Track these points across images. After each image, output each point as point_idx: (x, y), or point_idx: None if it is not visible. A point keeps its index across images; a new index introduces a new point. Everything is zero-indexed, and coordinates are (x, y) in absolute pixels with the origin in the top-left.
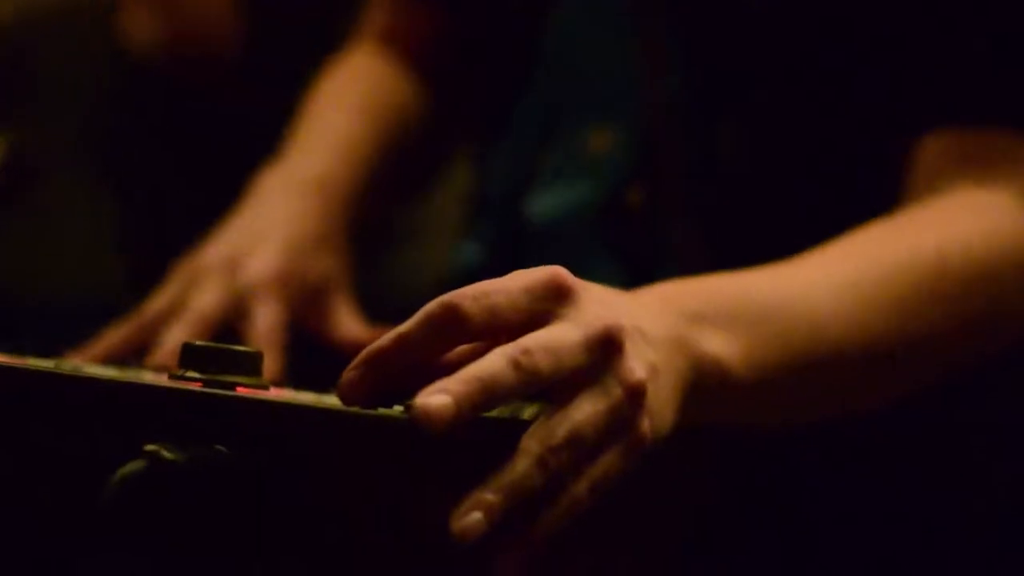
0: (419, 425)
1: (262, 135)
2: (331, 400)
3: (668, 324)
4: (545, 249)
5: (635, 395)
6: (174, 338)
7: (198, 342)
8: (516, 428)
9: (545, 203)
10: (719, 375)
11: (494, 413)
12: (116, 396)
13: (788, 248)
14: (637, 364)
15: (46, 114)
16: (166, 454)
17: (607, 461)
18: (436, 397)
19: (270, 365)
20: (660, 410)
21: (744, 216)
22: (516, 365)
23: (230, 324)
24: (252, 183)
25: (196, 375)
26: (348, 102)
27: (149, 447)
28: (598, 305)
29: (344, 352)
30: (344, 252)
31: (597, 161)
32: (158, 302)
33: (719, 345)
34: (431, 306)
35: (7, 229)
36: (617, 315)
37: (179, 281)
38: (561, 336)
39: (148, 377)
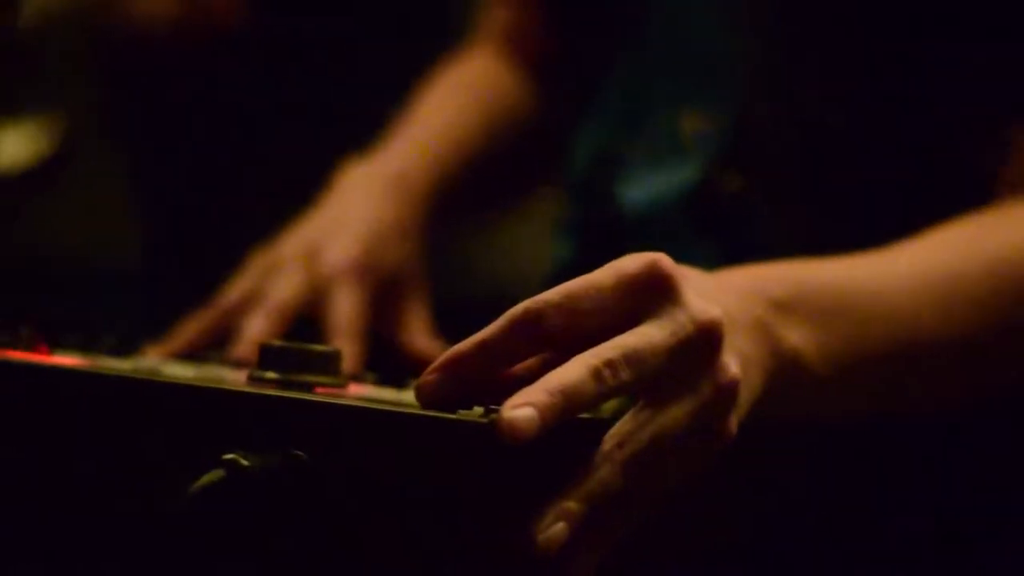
0: (503, 437)
1: (263, 108)
2: (410, 400)
3: (754, 311)
4: (637, 237)
5: (728, 394)
6: (253, 328)
7: (276, 342)
8: (597, 428)
9: (637, 189)
10: (796, 368)
11: None
12: (194, 402)
13: (887, 234)
14: (732, 360)
15: (66, 99)
16: (244, 462)
17: (689, 460)
18: (521, 411)
19: (349, 355)
20: (744, 403)
21: (842, 202)
22: (598, 377)
23: (309, 313)
24: (333, 177)
25: (274, 376)
26: (454, 103)
27: (228, 456)
28: (697, 296)
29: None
30: (420, 245)
31: (691, 145)
32: (236, 292)
33: (800, 338)
34: (514, 312)
35: (38, 204)
36: (714, 306)
37: (257, 270)
38: (648, 341)
39: (226, 379)
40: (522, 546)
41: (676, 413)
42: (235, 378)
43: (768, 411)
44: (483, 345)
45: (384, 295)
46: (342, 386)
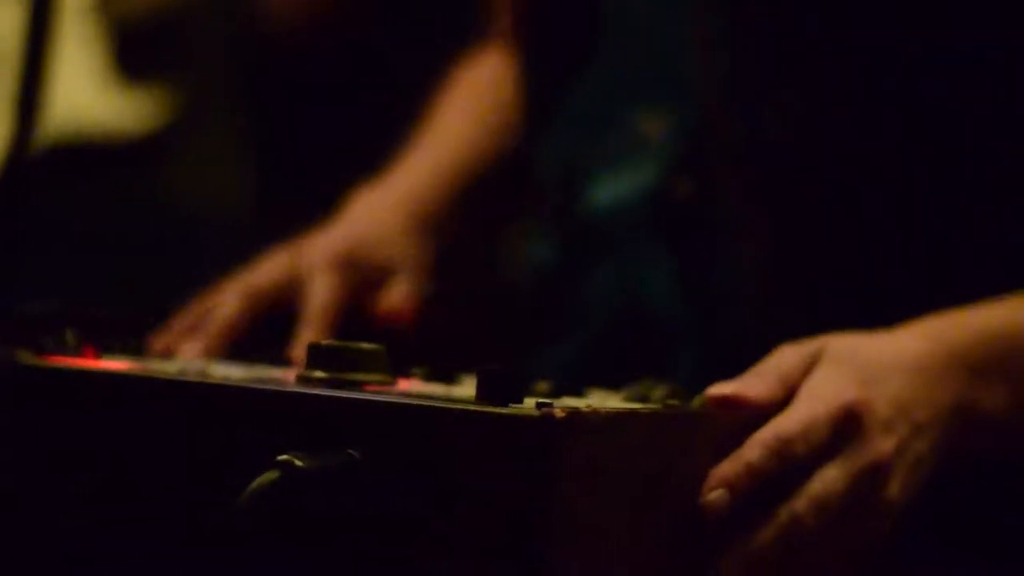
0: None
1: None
2: (460, 394)
3: (950, 391)
4: (604, 238)
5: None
6: (222, 310)
7: (324, 341)
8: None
9: (603, 190)
10: (989, 429)
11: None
12: (247, 403)
13: (844, 235)
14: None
15: (200, 73)
16: (299, 463)
17: (855, 530)
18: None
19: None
20: (914, 472)
21: (796, 201)
22: (782, 458)
23: (285, 299)
24: (346, 200)
25: (323, 375)
26: (466, 119)
27: (282, 457)
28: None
29: (385, 324)
30: (423, 252)
31: (648, 146)
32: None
33: (996, 400)
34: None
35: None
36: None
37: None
38: (811, 424)
39: (276, 379)
40: (579, 539)
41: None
42: (283, 378)
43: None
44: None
45: (369, 287)
46: (390, 383)
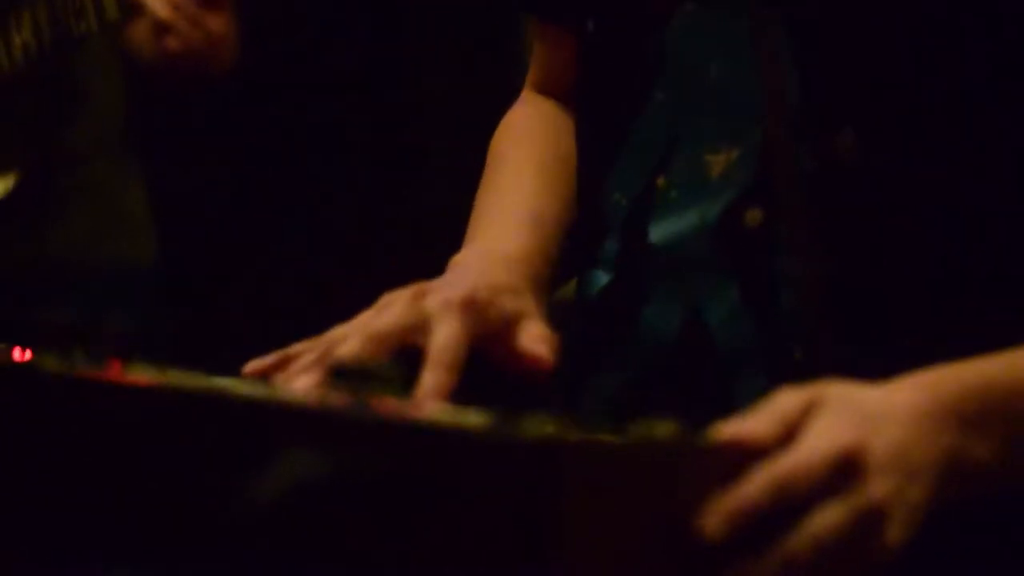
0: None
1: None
2: (474, 418)
3: (944, 441)
4: (665, 270)
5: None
6: (344, 349)
7: (345, 361)
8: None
9: (665, 224)
10: (980, 479)
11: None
12: (259, 414)
13: (912, 269)
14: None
15: (88, 113)
16: (311, 472)
17: (849, 571)
18: None
19: (437, 382)
20: (910, 517)
21: (865, 228)
22: (781, 494)
23: (410, 342)
24: (449, 264)
25: (342, 392)
26: (530, 170)
27: (298, 466)
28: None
29: (519, 370)
30: (540, 304)
31: (714, 184)
32: (341, 326)
33: (988, 452)
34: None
35: (53, 207)
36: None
37: (367, 311)
38: (811, 463)
39: (294, 394)
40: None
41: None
42: (300, 395)
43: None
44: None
45: (496, 335)
46: (410, 403)
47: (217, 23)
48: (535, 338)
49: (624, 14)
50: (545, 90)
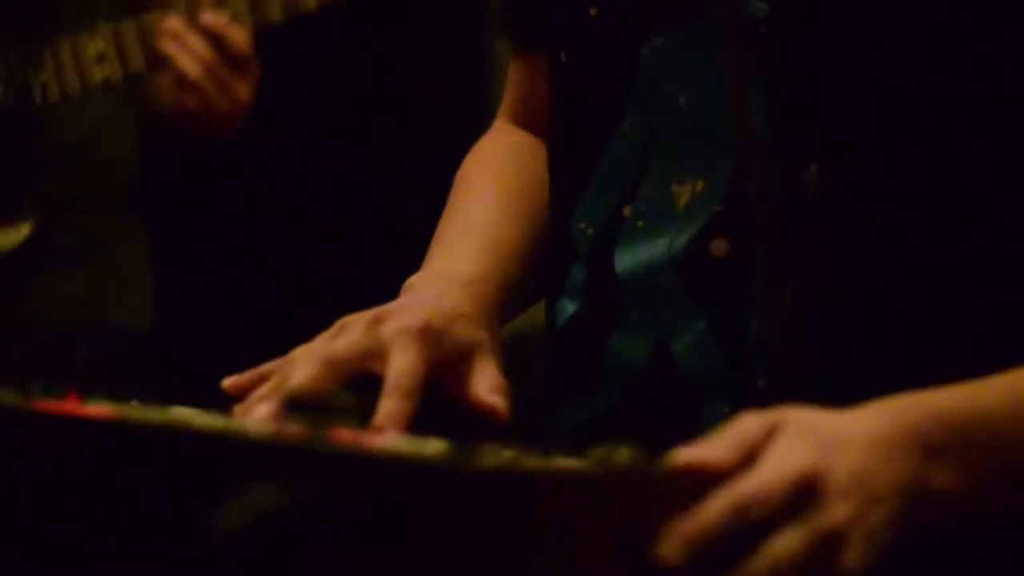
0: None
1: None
2: (432, 447)
3: (904, 467)
4: (633, 300)
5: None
6: (299, 375)
7: (300, 392)
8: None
9: (631, 258)
10: (941, 507)
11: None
12: (217, 446)
13: (877, 298)
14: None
15: (95, 164)
16: (270, 504)
17: None
18: None
19: (395, 409)
20: (871, 541)
21: (831, 265)
22: (740, 518)
23: (366, 368)
24: (402, 287)
25: (300, 424)
26: (493, 196)
27: (251, 498)
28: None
29: (475, 413)
30: (493, 333)
31: (681, 214)
32: (296, 351)
33: (949, 481)
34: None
35: (52, 262)
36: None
37: (324, 335)
38: (770, 487)
39: (250, 426)
40: None
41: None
42: (257, 427)
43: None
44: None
45: (449, 365)
46: (366, 433)
47: (243, 89)
48: (489, 387)
49: (596, 45)
50: (518, 119)
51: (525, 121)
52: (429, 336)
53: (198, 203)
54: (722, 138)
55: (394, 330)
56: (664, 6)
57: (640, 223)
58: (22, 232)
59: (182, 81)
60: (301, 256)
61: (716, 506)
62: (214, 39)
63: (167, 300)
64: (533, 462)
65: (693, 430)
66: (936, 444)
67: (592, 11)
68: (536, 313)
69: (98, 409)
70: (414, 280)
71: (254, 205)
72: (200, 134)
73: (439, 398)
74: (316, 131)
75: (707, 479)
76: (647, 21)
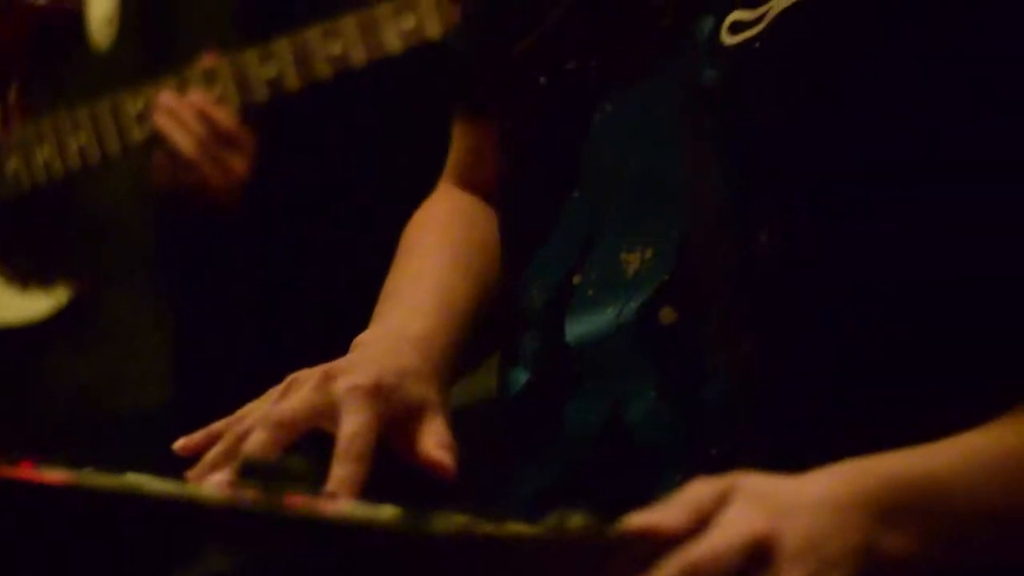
0: None
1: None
2: (386, 513)
3: (857, 532)
4: (584, 369)
5: None
6: (254, 440)
7: (254, 456)
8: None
9: (582, 326)
10: (895, 570)
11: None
12: (172, 512)
13: (830, 364)
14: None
15: (113, 246)
16: (222, 570)
17: None
18: None
19: (348, 474)
20: None
21: (783, 332)
22: None
23: (318, 426)
24: (352, 344)
25: (253, 487)
26: (441, 254)
27: (206, 564)
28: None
29: (423, 470)
30: (442, 392)
31: (630, 282)
32: (247, 408)
33: (902, 545)
34: None
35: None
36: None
37: (274, 392)
38: (722, 552)
39: (204, 492)
40: None
41: None
42: (212, 492)
43: None
44: None
45: (400, 424)
46: (320, 498)
47: (239, 164)
48: (437, 444)
49: (546, 113)
50: (464, 181)
51: (472, 183)
52: (380, 394)
53: (210, 278)
54: (671, 205)
55: (345, 388)
56: (615, 73)
57: (590, 291)
58: (60, 298)
59: (177, 158)
60: (309, 331)
61: (668, 571)
62: (203, 117)
63: (185, 376)
64: (487, 527)
65: (648, 497)
66: (889, 508)
67: (542, 80)
68: (486, 380)
69: (53, 475)
70: (364, 337)
71: (260, 277)
72: (199, 208)
73: (391, 458)
74: (306, 201)
75: (660, 544)
76: (597, 88)
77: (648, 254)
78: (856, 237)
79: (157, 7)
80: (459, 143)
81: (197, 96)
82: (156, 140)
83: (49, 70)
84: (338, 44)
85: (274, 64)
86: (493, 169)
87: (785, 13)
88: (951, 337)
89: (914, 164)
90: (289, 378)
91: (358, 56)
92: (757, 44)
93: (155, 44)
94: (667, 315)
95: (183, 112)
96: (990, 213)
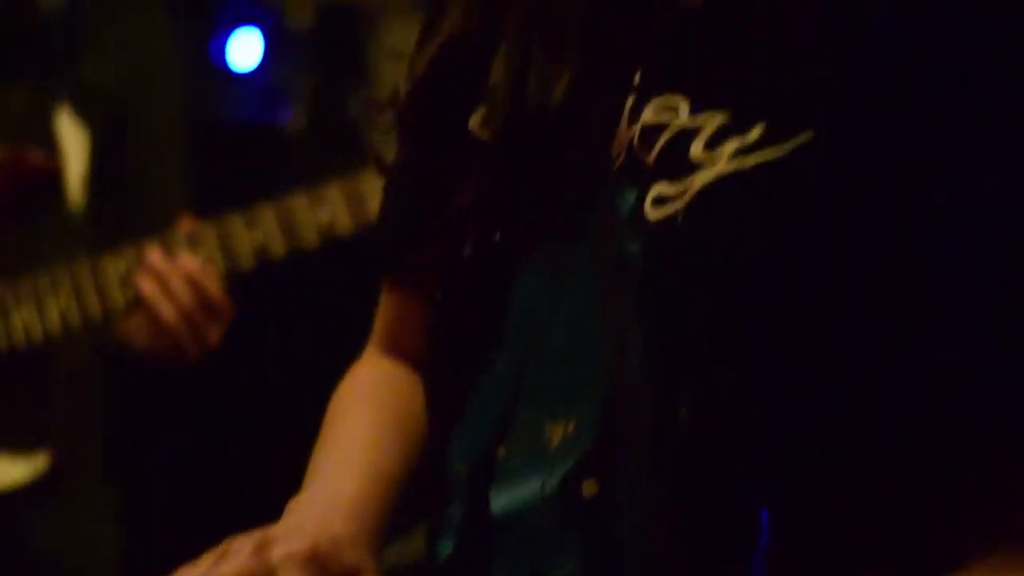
0: None
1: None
2: None
3: None
4: (507, 539)
5: None
6: None
7: None
8: None
9: (507, 497)
10: None
11: None
12: None
13: (747, 533)
14: None
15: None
16: None
17: None
18: None
19: None
20: None
21: (704, 506)
22: None
23: None
24: (285, 509)
25: None
26: (369, 420)
27: None
28: None
29: None
30: (375, 556)
31: (553, 454)
32: (183, 572)
33: None
34: None
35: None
36: None
37: (207, 559)
38: None
39: None
40: None
41: None
42: None
43: None
44: None
45: None
46: None
47: (215, 334)
48: None
49: (470, 283)
50: (390, 348)
51: (398, 350)
52: (316, 561)
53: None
54: (595, 374)
55: (281, 556)
56: (538, 243)
57: (515, 462)
58: (39, 465)
59: (156, 325)
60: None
61: None
62: (192, 283)
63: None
64: None
65: None
66: None
67: (467, 251)
68: (418, 541)
69: None
70: (297, 503)
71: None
72: (164, 368)
73: None
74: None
75: None
76: (520, 257)
77: (571, 426)
78: (775, 413)
79: (119, 169)
80: (385, 311)
81: (187, 260)
82: (136, 304)
83: (27, 228)
84: (326, 211)
85: (259, 230)
86: (419, 339)
87: (705, 190)
88: (874, 510)
89: (832, 343)
90: (223, 545)
91: (343, 225)
92: (679, 220)
93: (125, 205)
94: (589, 487)
95: (171, 277)
96: (915, 382)
